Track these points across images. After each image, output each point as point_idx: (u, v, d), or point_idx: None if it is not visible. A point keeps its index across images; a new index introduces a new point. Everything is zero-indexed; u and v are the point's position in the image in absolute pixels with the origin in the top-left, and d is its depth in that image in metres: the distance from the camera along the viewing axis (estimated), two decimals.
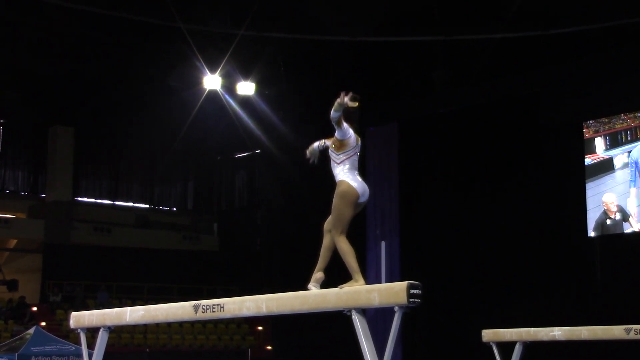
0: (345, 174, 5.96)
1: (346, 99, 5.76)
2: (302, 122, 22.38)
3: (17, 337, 18.10)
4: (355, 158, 6.06)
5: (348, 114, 5.96)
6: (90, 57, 22.42)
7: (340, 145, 6.03)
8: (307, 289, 5.82)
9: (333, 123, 5.87)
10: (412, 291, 4.91)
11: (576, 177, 18.13)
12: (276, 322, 24.37)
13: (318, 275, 5.98)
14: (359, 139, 6.13)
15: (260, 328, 25.29)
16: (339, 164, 6.03)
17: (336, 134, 5.97)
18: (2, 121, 26.30)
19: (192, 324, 23.75)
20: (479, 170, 20.06)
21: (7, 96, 24.99)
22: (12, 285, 24.53)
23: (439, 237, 20.48)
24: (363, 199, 5.98)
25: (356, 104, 5.97)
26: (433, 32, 18.53)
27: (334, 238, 5.85)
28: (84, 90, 24.63)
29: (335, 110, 5.76)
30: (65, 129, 26.31)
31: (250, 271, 27.21)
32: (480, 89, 19.92)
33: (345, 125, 5.95)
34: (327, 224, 6.03)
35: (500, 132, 19.68)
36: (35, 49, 21.82)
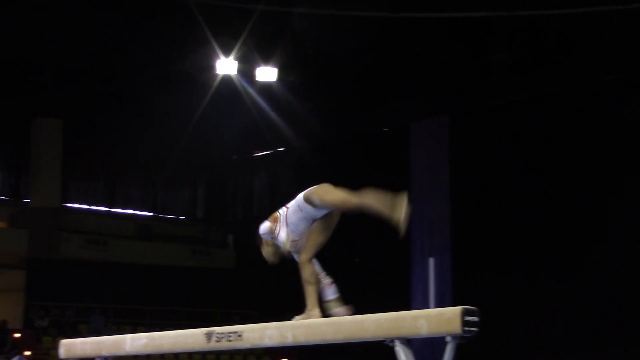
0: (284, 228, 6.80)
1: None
2: (333, 114, 22.37)
3: None
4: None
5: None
6: (83, 38, 22.55)
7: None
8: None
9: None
10: (467, 318, 4.90)
11: None
12: (303, 354, 24.35)
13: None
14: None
15: None
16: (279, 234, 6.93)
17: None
18: None
19: (204, 354, 23.83)
20: (547, 173, 19.91)
21: None
22: None
23: (499, 252, 20.36)
24: None
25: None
26: (492, 6, 18.44)
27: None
28: (74, 76, 24.76)
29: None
30: (52, 122, 26.41)
31: (273, 292, 27.19)
32: (549, 74, 19.79)
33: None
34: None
35: (574, 127, 19.52)
36: (16, 28, 21.98)
